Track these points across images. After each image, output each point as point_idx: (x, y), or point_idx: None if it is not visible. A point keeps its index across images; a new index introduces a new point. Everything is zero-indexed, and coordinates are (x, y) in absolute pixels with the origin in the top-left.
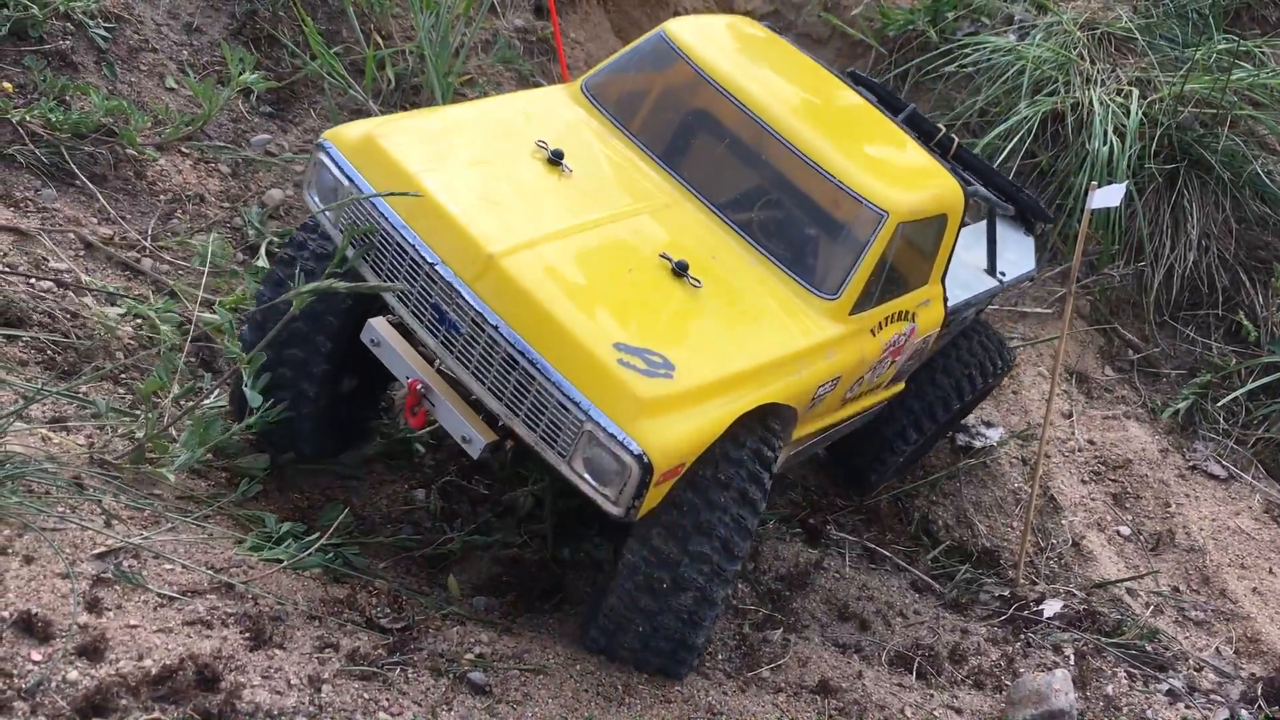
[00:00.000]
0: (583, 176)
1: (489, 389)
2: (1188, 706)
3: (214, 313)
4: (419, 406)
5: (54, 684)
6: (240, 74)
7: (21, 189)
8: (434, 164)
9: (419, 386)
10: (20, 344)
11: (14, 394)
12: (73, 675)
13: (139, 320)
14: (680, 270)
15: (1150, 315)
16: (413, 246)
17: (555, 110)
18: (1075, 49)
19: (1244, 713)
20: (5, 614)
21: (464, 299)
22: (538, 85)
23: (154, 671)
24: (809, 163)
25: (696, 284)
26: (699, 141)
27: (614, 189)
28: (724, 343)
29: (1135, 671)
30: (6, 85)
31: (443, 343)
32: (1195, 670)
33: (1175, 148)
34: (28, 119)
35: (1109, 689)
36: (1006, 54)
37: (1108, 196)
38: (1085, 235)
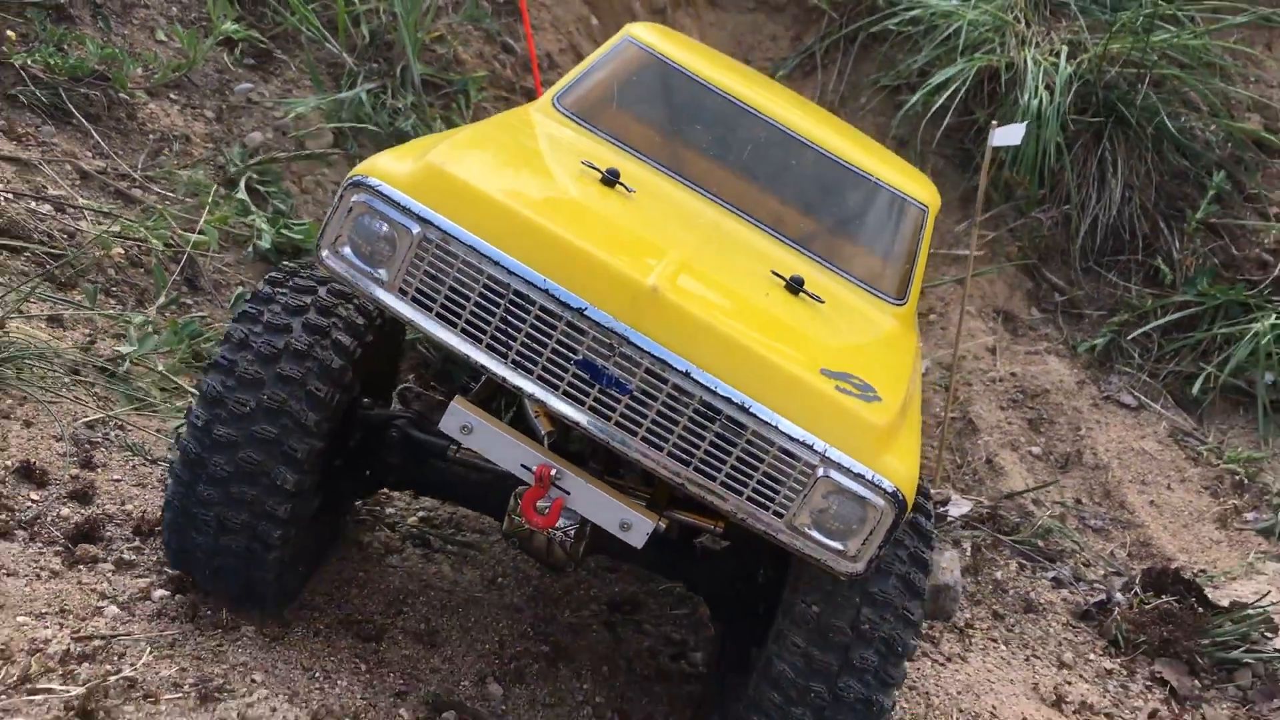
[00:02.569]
0: (642, 196)
1: (670, 453)
2: (1071, 591)
3: (201, 233)
4: (549, 499)
5: (49, 518)
6: (221, 24)
7: (23, 125)
8: (521, 196)
9: (552, 472)
10: (23, 257)
11: (16, 295)
12: (65, 512)
13: (129, 241)
14: (796, 286)
15: (1076, 261)
16: (545, 291)
17: (545, 131)
18: (1012, 12)
19: (1119, 596)
20: (7, 464)
21: (632, 345)
22: (505, 45)
23: (134, 515)
24: (845, 165)
25: (819, 300)
26: (719, 153)
27: (676, 209)
28: (876, 360)
29: (1026, 563)
30: (10, 34)
31: (594, 407)
32: (1084, 565)
33: (1101, 104)
34: (29, 63)
35: (998, 575)
36: (946, 16)
37: (1008, 135)
38: (988, 168)
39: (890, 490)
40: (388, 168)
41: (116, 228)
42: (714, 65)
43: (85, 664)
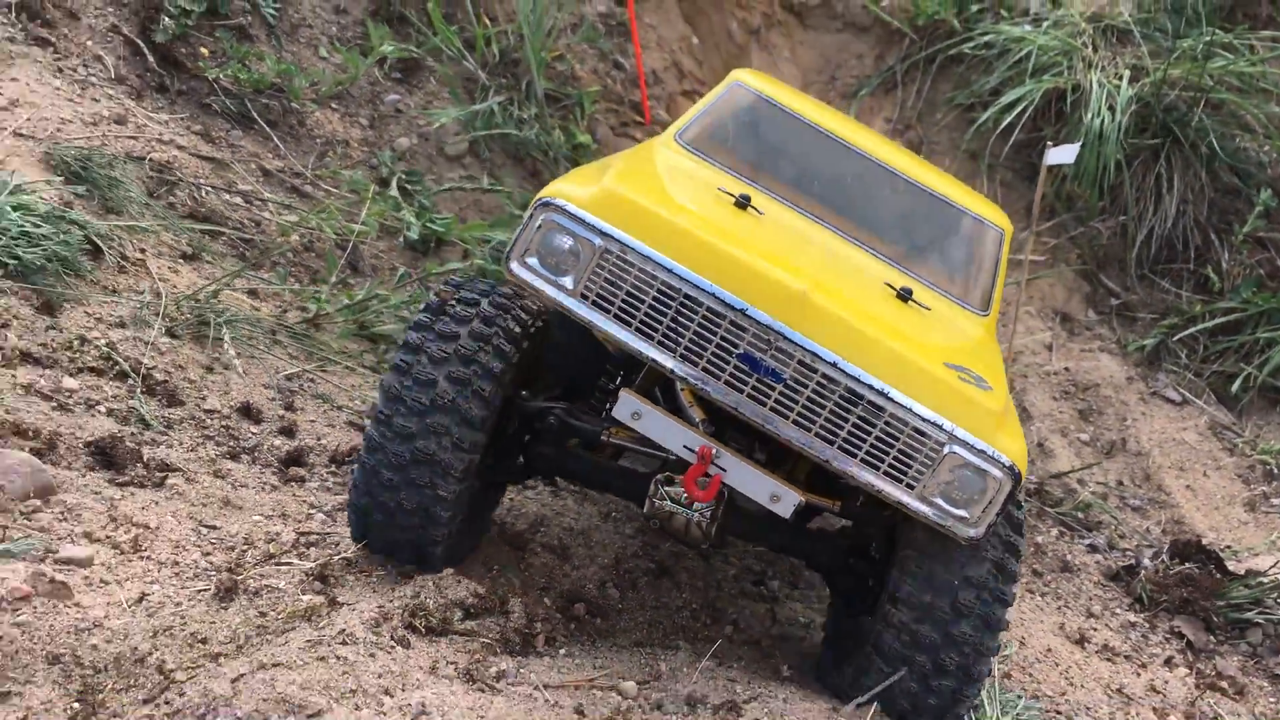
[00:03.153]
0: (770, 218)
1: (816, 434)
2: (1104, 557)
3: (362, 224)
4: (709, 475)
5: (265, 447)
6: (380, 45)
7: (217, 130)
8: (682, 214)
9: (711, 453)
10: (221, 240)
11: (220, 270)
12: (276, 443)
13: (304, 230)
14: (906, 296)
15: (1131, 268)
16: (712, 295)
17: (676, 163)
18: (1080, 38)
19: (1147, 562)
20: (232, 404)
21: (788, 340)
22: (615, 62)
23: (328, 448)
24: (931, 195)
25: (926, 308)
26: (821, 183)
27: (799, 230)
28: (980, 358)
29: (1066, 531)
30: (204, 51)
31: (751, 395)
32: (1119, 536)
33: (1160, 125)
34: (220, 77)
35: (1039, 539)
36: (1018, 41)
37: (1062, 154)
38: (1043, 183)
39: (1007, 464)
40: (570, 191)
41: (294, 218)
42: (812, 106)
43: (312, 549)
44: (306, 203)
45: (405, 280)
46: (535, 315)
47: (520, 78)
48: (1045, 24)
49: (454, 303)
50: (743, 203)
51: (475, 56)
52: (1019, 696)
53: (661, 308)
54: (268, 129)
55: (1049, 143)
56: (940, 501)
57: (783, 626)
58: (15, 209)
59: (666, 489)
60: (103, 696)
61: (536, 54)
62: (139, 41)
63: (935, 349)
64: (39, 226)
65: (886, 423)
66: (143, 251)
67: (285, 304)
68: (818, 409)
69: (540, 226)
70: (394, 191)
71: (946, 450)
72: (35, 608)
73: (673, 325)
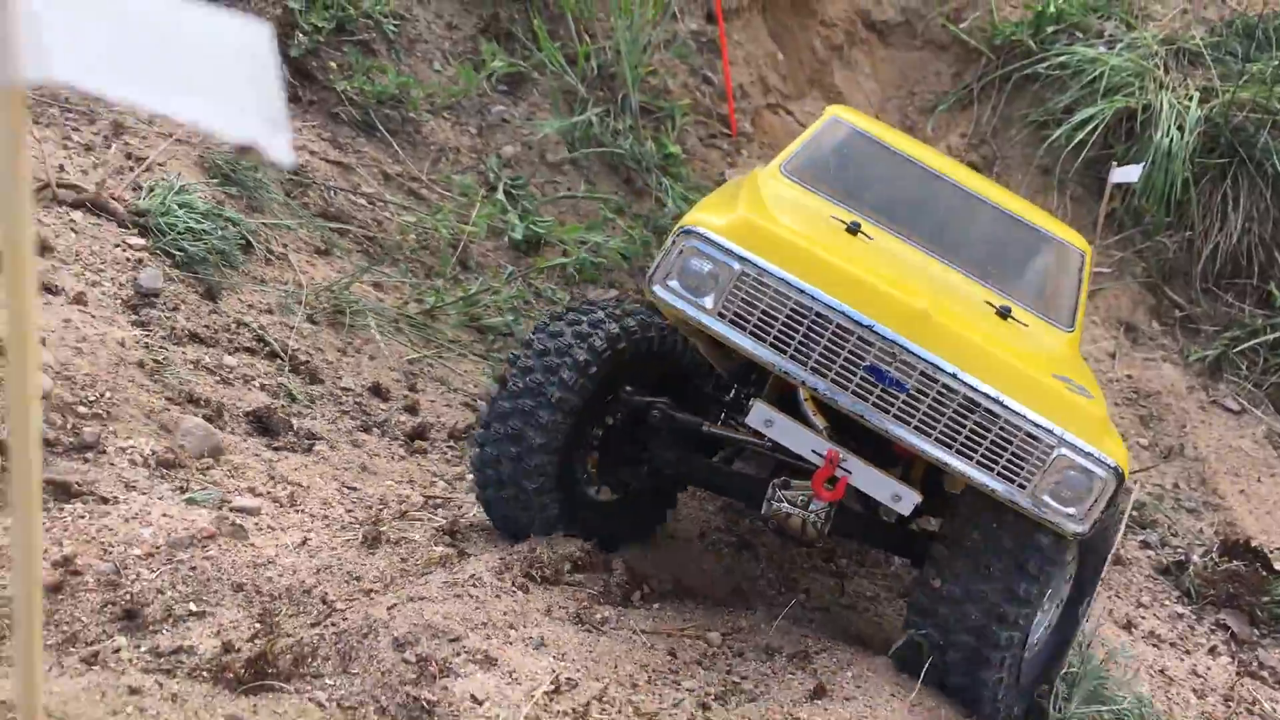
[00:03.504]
0: (879, 243)
1: (936, 439)
2: (1156, 553)
3: (472, 225)
4: (837, 478)
5: (393, 422)
6: (491, 60)
7: (343, 137)
8: (807, 240)
9: (838, 457)
10: (348, 237)
11: (349, 264)
12: (402, 419)
13: (420, 229)
14: (1005, 314)
15: (1196, 282)
16: (842, 313)
17: (785, 193)
18: (1153, 60)
19: (1196, 558)
20: (363, 383)
21: (911, 353)
22: (705, 77)
23: (447, 425)
24: (1017, 220)
25: (1024, 325)
26: (914, 210)
27: (906, 256)
28: (1077, 369)
29: (1121, 527)
30: (333, 65)
31: (876, 403)
32: (1172, 535)
33: (1228, 146)
34: (347, 89)
35: None
36: (1092, 61)
37: (1127, 173)
38: (1107, 199)
39: (1112, 465)
40: (709, 220)
41: (412, 219)
42: (902, 139)
43: (439, 509)
44: (422, 205)
45: (511, 277)
46: (646, 328)
47: (616, 91)
48: (1119, 46)
49: (571, 310)
50: (854, 229)
51: (576, 71)
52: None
53: (794, 325)
54: (388, 137)
55: (1114, 162)
56: (1049, 500)
57: (851, 598)
58: (181, 207)
59: (783, 492)
60: (278, 619)
61: (632, 69)
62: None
63: (1040, 361)
64: (200, 223)
65: (1001, 428)
66: (284, 246)
67: (406, 296)
68: (937, 416)
69: (682, 252)
70: (500, 195)
71: (1056, 453)
72: (220, 546)
73: (804, 341)
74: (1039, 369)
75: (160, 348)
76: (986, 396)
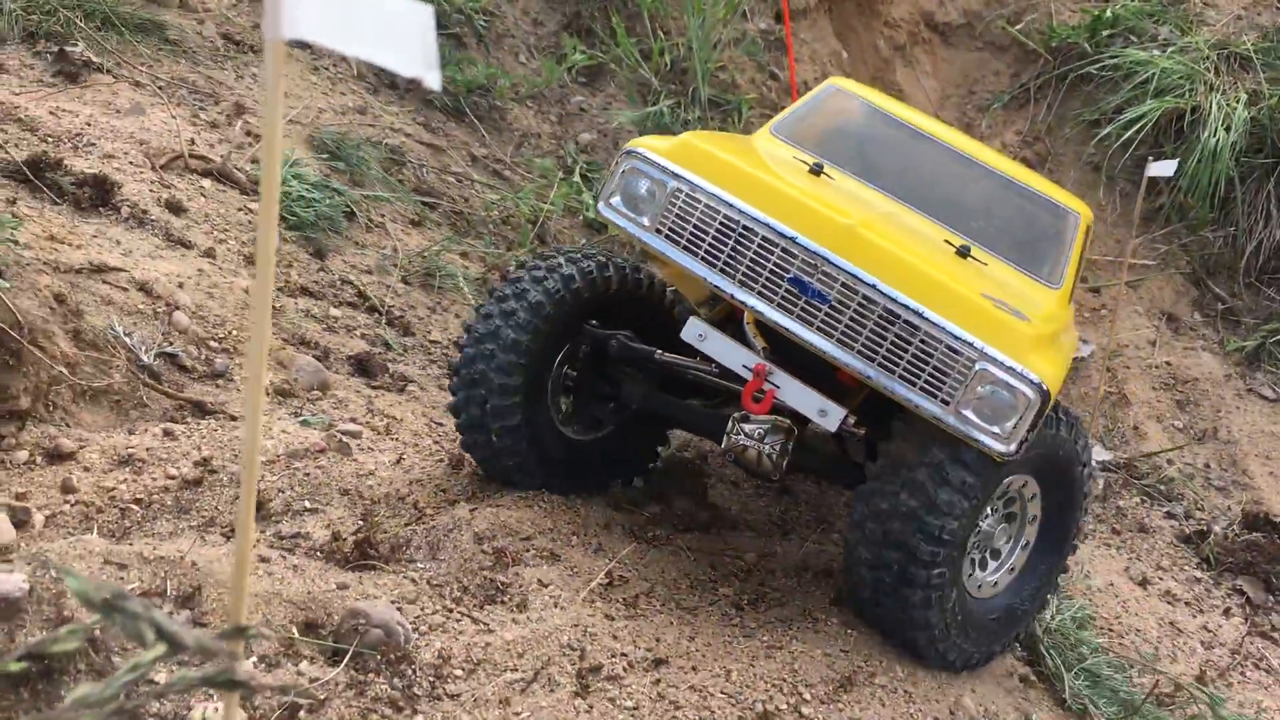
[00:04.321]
0: (840, 183)
1: (858, 352)
2: (1180, 523)
3: (550, 204)
4: (763, 391)
5: None
6: (574, 54)
7: (435, 121)
8: (748, 163)
9: (765, 369)
10: (438, 211)
11: (439, 234)
12: None
13: (502, 206)
14: (964, 252)
15: (1240, 276)
16: (766, 225)
17: (766, 147)
18: (1204, 63)
19: (1217, 529)
20: (450, 337)
21: (833, 265)
22: (771, 73)
23: None
24: (1005, 179)
25: (983, 264)
26: (902, 167)
27: (865, 195)
28: (1029, 305)
29: (1147, 499)
30: None
31: (800, 315)
32: (1197, 509)
33: (1273, 146)
34: (442, 78)
35: (1121, 504)
36: (1144, 64)
37: (1163, 168)
38: (1143, 193)
39: (1035, 381)
40: (651, 142)
41: (495, 197)
42: (900, 106)
43: None
44: (505, 184)
45: None
46: (604, 268)
47: (688, 85)
48: (1170, 49)
49: (534, 257)
50: (816, 170)
51: (650, 66)
52: (1076, 602)
53: (723, 238)
54: (476, 122)
55: (1150, 157)
56: (972, 416)
57: None
58: (294, 178)
59: (741, 425)
60: (378, 519)
61: (703, 65)
62: None
63: (980, 284)
64: (310, 192)
65: (921, 340)
66: (382, 216)
67: (488, 265)
68: (858, 328)
69: (624, 172)
70: (577, 178)
71: (977, 367)
72: (329, 459)
73: (732, 254)
74: (969, 287)
75: (276, 297)
76: (906, 308)
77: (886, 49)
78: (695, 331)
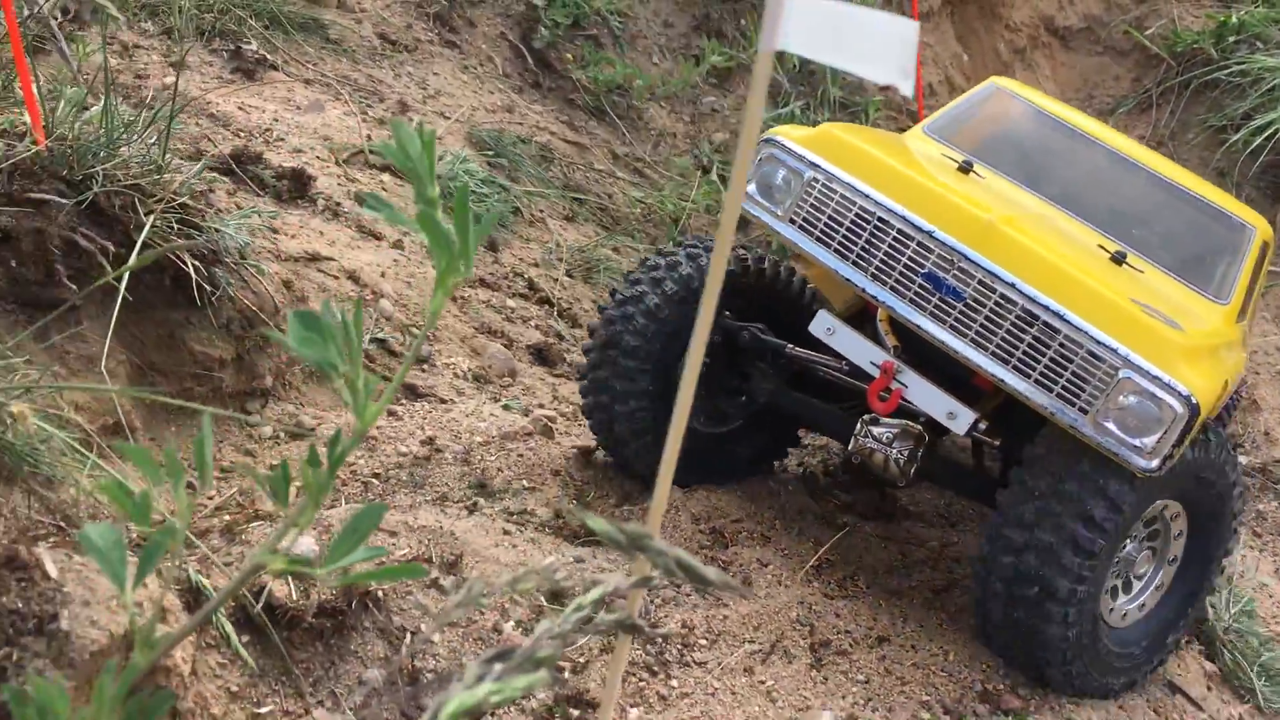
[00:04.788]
0: (991, 182)
1: (993, 354)
2: None
3: (690, 202)
4: (890, 389)
5: None
6: (711, 56)
7: (578, 120)
8: (889, 155)
9: (893, 367)
10: (585, 206)
11: (592, 229)
12: None
13: (643, 204)
14: (1119, 259)
15: None
16: (901, 217)
17: (918, 146)
18: None
19: None
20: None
21: (970, 260)
22: None
23: None
24: (1175, 188)
25: (1140, 271)
26: (1061, 170)
27: (1017, 196)
28: (1184, 315)
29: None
30: (569, 56)
31: (933, 313)
32: None
33: None
34: (582, 77)
35: (1261, 507)
36: (1272, 70)
37: None
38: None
39: (1184, 393)
40: (791, 131)
41: (638, 194)
42: (1064, 108)
43: None
44: (646, 182)
45: None
46: (737, 262)
47: (816, 86)
48: None
49: (655, 255)
50: (965, 167)
51: (780, 67)
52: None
53: (858, 230)
54: (616, 121)
55: None
56: (1113, 428)
57: None
58: (465, 173)
59: (871, 428)
60: (589, 499)
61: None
62: (521, 46)
63: (1131, 290)
64: (480, 188)
65: (1061, 344)
66: (541, 211)
67: (637, 258)
68: (994, 329)
69: (761, 160)
70: (714, 177)
71: (1121, 375)
72: (536, 441)
73: (866, 247)
74: (1116, 291)
75: (460, 288)
76: (1046, 309)
77: (1006, 52)
78: (824, 325)
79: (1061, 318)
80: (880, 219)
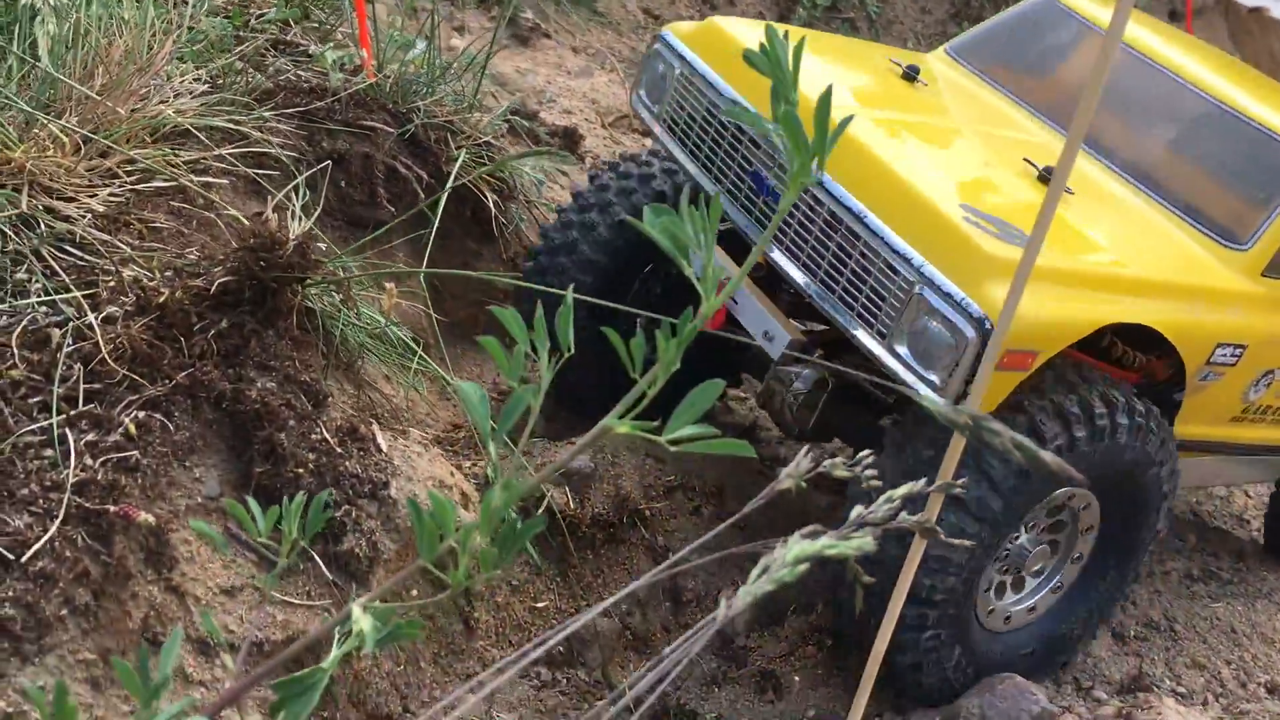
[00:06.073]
0: (939, 93)
1: (803, 264)
2: None
3: None
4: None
5: None
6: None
7: None
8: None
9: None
10: None
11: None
12: None
13: None
14: (1047, 175)
15: None
16: (732, 101)
17: (920, 60)
18: None
19: None
20: None
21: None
22: None
23: None
24: (1228, 114)
25: (1068, 191)
26: (1059, 82)
27: (973, 109)
28: (1094, 241)
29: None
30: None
31: (758, 217)
32: None
33: None
34: None
35: None
36: None
37: None
38: None
39: (977, 315)
40: (680, 27)
41: None
42: (1143, 20)
43: None
44: None
45: None
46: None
47: None
48: None
49: (627, 161)
50: (910, 74)
51: None
52: None
53: (706, 127)
54: None
55: None
56: (906, 355)
57: None
58: None
59: (778, 368)
60: None
61: None
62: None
63: (989, 203)
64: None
65: (861, 253)
66: None
67: None
68: (804, 235)
69: (650, 57)
70: None
71: (915, 291)
72: None
73: (712, 144)
74: (946, 196)
75: None
76: (849, 211)
77: None
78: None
79: (861, 220)
80: (720, 109)
